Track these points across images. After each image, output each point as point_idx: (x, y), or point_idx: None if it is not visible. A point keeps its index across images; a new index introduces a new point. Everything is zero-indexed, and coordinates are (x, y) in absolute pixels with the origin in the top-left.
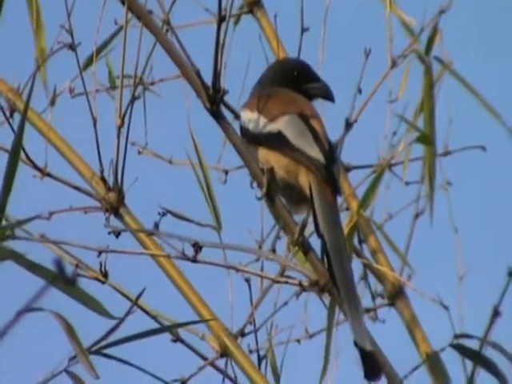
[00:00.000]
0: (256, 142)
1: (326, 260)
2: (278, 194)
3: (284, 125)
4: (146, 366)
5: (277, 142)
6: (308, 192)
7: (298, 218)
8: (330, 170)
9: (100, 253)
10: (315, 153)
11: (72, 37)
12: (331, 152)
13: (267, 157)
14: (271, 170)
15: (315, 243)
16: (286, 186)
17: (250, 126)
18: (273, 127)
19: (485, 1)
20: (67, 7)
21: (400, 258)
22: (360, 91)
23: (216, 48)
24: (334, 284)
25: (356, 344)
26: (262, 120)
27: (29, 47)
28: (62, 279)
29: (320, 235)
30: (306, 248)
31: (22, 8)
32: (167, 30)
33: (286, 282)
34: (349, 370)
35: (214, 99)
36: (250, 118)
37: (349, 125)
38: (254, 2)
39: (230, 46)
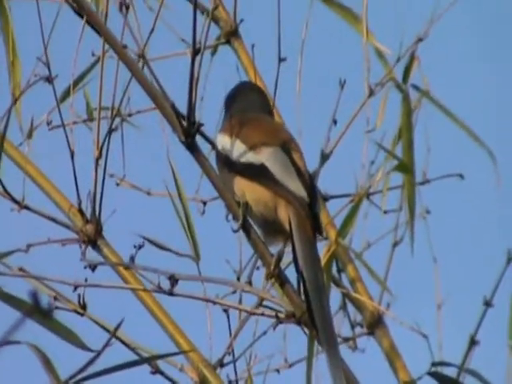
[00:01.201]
0: (234, 170)
1: (304, 297)
2: (254, 226)
3: (267, 157)
4: None
5: (258, 174)
6: (287, 226)
7: (274, 249)
8: (312, 208)
9: (76, 287)
10: (299, 189)
11: (49, 69)
12: (312, 187)
13: (244, 188)
14: (247, 203)
15: (291, 275)
16: (262, 219)
17: (230, 153)
18: (255, 158)
19: (465, 24)
20: (43, 39)
21: (380, 285)
22: (335, 122)
23: (190, 81)
24: (311, 322)
25: None
26: (243, 148)
27: (4, 79)
28: (38, 311)
29: (299, 272)
30: (282, 280)
31: None
32: (143, 64)
33: (263, 314)
34: None
35: (188, 132)
36: (229, 144)
37: (324, 156)
38: (232, 33)
39: (207, 76)
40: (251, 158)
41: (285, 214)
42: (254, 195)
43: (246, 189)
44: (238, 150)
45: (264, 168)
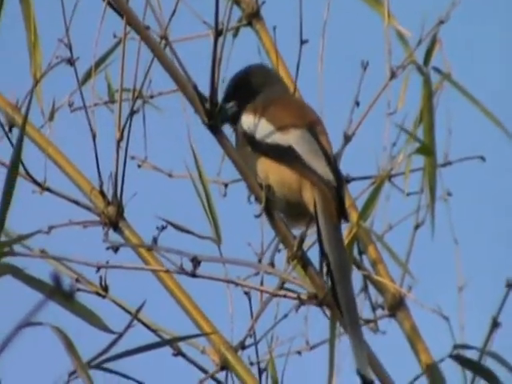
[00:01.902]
0: (258, 151)
1: (328, 279)
2: (276, 209)
3: (295, 140)
4: (147, 380)
5: (285, 156)
6: (312, 209)
7: (296, 231)
8: (339, 192)
9: (99, 268)
10: (326, 173)
11: (71, 51)
12: (337, 171)
13: (268, 169)
14: (269, 186)
15: (313, 257)
16: (286, 201)
17: (255, 134)
18: (283, 140)
19: (486, 7)
20: (65, 21)
21: (401, 268)
22: (358, 104)
23: (213, 62)
24: (336, 303)
25: (358, 372)
26: (270, 129)
27: (27, 61)
28: (59, 293)
29: (323, 254)
30: (304, 262)
31: (20, 22)
32: (165, 45)
33: (285, 296)
34: (349, 381)
35: (211, 114)
36: (256, 125)
37: (347, 138)
38: (253, 15)
39: (228, 58)
40: (278, 139)
41: (310, 197)
42: (279, 177)
43: (271, 170)
44: (264, 130)
45: (292, 150)
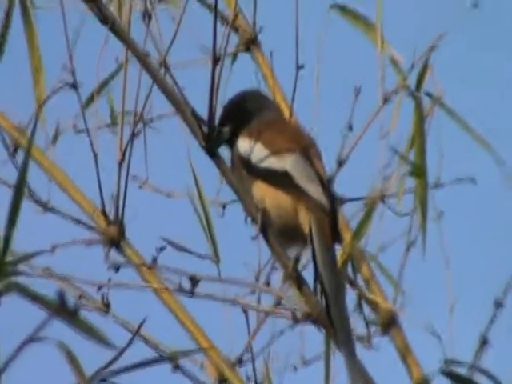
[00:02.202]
0: (254, 175)
1: (323, 298)
2: (272, 231)
3: (291, 165)
4: None
5: (281, 180)
6: (307, 231)
7: (291, 252)
8: (333, 215)
9: (99, 287)
10: (320, 197)
11: (74, 76)
12: (332, 194)
13: (264, 193)
14: (266, 210)
15: (307, 276)
16: (281, 223)
17: (252, 158)
18: (279, 165)
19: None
20: (68, 47)
21: (394, 286)
22: (351, 128)
23: (211, 88)
24: (330, 322)
25: None
26: (266, 154)
27: (31, 84)
28: (64, 310)
29: (318, 275)
30: (299, 281)
31: (23, 46)
32: (164, 71)
33: (280, 314)
34: None
35: (208, 137)
36: (251, 149)
37: (340, 163)
38: (251, 41)
39: (227, 83)
40: (274, 164)
41: (305, 220)
42: (275, 201)
43: (267, 194)
44: (260, 154)
45: (287, 175)
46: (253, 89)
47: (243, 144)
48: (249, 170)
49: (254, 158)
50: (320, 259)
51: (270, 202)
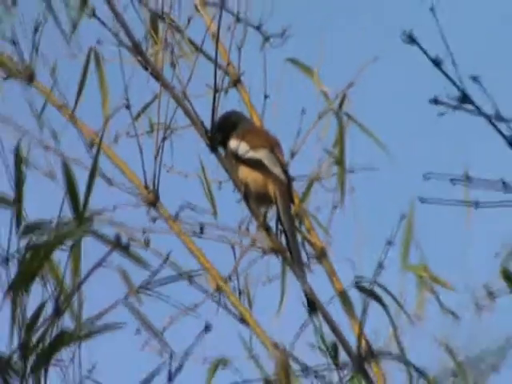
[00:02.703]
0: (241, 161)
1: (284, 238)
2: (251, 197)
3: (263, 156)
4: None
5: (257, 165)
6: (273, 196)
7: (262, 210)
8: (288, 185)
9: (144, 232)
10: (280, 175)
11: (127, 101)
12: (288, 174)
13: (246, 173)
14: (247, 183)
15: (272, 226)
16: (256, 192)
17: (238, 151)
18: (255, 155)
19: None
20: (124, 83)
21: (324, 232)
22: (298, 134)
23: (213, 109)
24: (289, 252)
25: (304, 291)
26: (247, 149)
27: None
28: (119, 246)
29: (281, 223)
30: (266, 228)
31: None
32: (184, 97)
33: (255, 249)
34: (295, 303)
35: (211, 140)
36: (238, 146)
37: (292, 155)
38: (237, 80)
39: (222, 105)
40: (253, 155)
41: (272, 189)
42: (253, 178)
43: (248, 174)
44: (244, 149)
45: (261, 162)
46: (233, 110)
47: (233, 143)
48: (237, 159)
49: (240, 152)
50: (282, 213)
51: (250, 178)
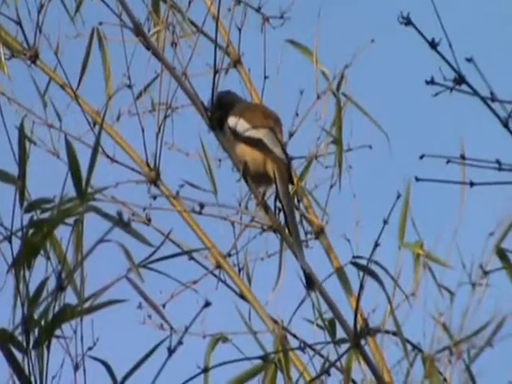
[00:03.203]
0: (240, 140)
1: (283, 216)
2: (249, 176)
3: (263, 135)
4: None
5: (257, 144)
6: (272, 175)
7: (261, 189)
8: (288, 165)
9: (144, 209)
10: (281, 154)
11: (129, 80)
12: (287, 153)
13: (246, 152)
14: (246, 162)
15: (271, 203)
16: (256, 171)
17: (238, 129)
18: (256, 134)
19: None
20: (126, 63)
21: (322, 210)
22: (297, 114)
23: (212, 89)
24: (288, 230)
25: (302, 268)
26: (248, 127)
27: (103, 85)
28: (121, 223)
29: (280, 201)
30: (265, 206)
31: (99, 62)
32: (185, 77)
33: (254, 226)
34: (293, 280)
35: (210, 119)
36: (238, 123)
37: (291, 134)
38: (237, 61)
39: (222, 86)
40: (253, 134)
41: (271, 168)
42: (252, 156)
43: (247, 152)
44: (243, 127)
45: (262, 141)
46: (228, 90)
47: (232, 120)
48: (235, 137)
49: (239, 129)
50: (281, 192)
51: (248, 157)
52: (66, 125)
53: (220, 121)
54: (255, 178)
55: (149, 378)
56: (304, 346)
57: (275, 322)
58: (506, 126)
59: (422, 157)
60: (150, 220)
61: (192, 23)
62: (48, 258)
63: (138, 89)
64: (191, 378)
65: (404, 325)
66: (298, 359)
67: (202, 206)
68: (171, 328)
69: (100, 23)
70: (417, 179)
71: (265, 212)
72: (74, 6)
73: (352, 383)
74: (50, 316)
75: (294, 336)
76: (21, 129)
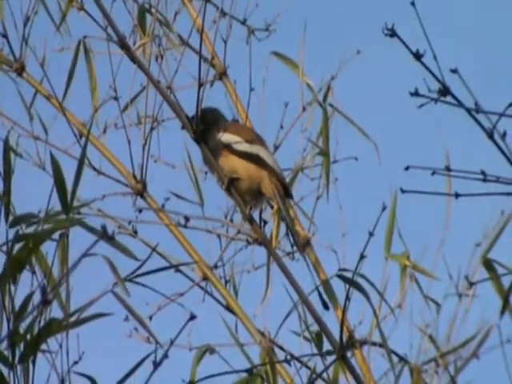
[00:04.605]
0: (236, 154)
1: (285, 223)
2: (241, 189)
3: (259, 151)
4: (158, 287)
5: (256, 159)
6: (265, 190)
7: (249, 203)
8: (284, 179)
9: (130, 222)
10: (278, 169)
11: (116, 92)
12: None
13: (238, 165)
14: (235, 176)
15: (256, 217)
16: (249, 186)
17: (234, 145)
18: (252, 150)
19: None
20: (113, 75)
21: (308, 221)
22: (282, 127)
23: (197, 102)
24: (294, 241)
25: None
26: (243, 143)
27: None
28: (106, 236)
29: (281, 212)
30: (250, 220)
31: (85, 74)
32: (170, 91)
33: (240, 239)
34: (279, 292)
35: (195, 132)
36: (233, 139)
37: (276, 147)
38: (222, 73)
39: (208, 98)
40: (248, 148)
41: (269, 184)
42: (247, 171)
43: (241, 167)
44: (238, 142)
45: (259, 156)
46: (212, 106)
47: (225, 136)
48: (230, 151)
49: (234, 144)
50: (282, 207)
51: (242, 171)
52: (52, 137)
53: (203, 134)
54: (247, 193)
55: None
56: (291, 358)
57: (262, 334)
58: (490, 137)
59: (407, 168)
60: (136, 232)
61: (178, 36)
62: (33, 273)
63: (125, 101)
64: None
65: (391, 336)
66: (285, 371)
67: (187, 219)
68: (156, 342)
69: (85, 37)
70: (402, 191)
71: (250, 225)
72: (60, 17)
73: None
74: (36, 330)
75: (281, 348)
76: (6, 141)
